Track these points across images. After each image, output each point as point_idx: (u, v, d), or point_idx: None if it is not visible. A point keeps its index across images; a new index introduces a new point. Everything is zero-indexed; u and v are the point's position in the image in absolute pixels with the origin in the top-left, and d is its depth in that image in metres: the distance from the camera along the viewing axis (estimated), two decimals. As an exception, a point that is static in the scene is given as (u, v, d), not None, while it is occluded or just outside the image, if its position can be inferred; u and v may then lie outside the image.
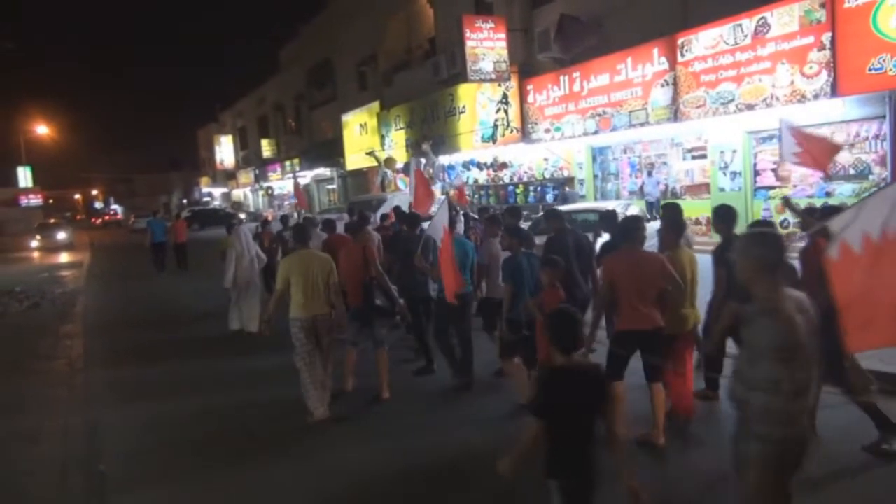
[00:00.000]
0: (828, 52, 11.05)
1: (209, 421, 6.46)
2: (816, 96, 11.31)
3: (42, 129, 45.30)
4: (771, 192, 13.31)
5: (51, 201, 68.79)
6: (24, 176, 43.58)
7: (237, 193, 51.32)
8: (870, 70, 10.55)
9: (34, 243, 34.33)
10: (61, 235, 35.28)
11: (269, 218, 16.66)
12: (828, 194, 12.30)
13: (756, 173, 13.57)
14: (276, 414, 6.43)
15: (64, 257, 29.11)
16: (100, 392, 7.71)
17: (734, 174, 13.70)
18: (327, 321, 6.15)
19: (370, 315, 6.71)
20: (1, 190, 42.67)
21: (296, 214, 18.21)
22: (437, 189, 21.77)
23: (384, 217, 11.43)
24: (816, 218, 5.25)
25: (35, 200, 43.09)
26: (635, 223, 5.12)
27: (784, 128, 7.94)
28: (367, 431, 5.85)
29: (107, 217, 71.20)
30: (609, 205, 12.43)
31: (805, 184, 12.72)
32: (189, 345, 9.87)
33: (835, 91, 11.06)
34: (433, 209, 7.47)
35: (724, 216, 5.51)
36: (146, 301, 14.52)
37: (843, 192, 12.08)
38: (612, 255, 5.20)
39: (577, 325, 3.20)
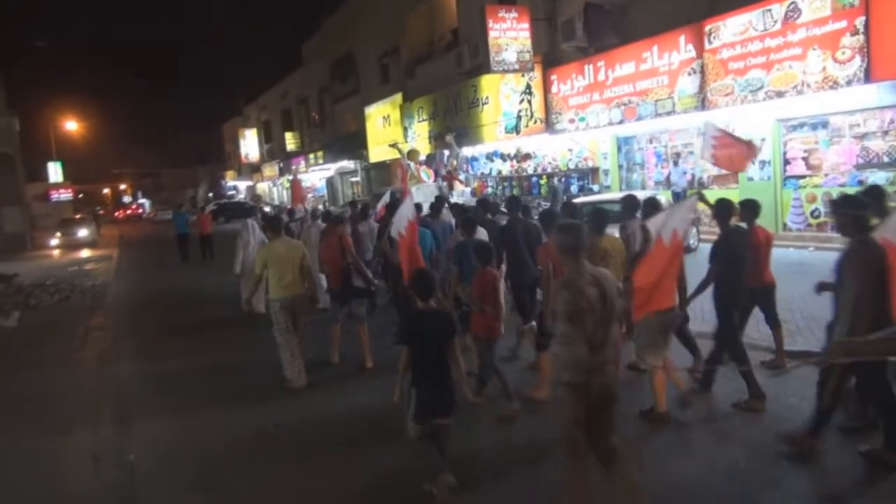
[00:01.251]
0: (861, 37, 10.76)
1: (237, 412, 6.53)
2: (849, 82, 11.02)
3: (72, 126, 46.02)
4: (801, 182, 13.04)
5: (80, 196, 70.12)
6: (55, 171, 44.34)
7: (261, 186, 51.76)
8: (905, 54, 10.26)
9: (54, 241, 32.75)
10: (83, 232, 33.66)
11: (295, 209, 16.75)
12: (860, 183, 12.01)
13: (786, 162, 13.30)
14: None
15: (92, 251, 29.53)
16: (129, 382, 7.83)
17: (763, 163, 13.43)
18: (303, 299, 7.02)
19: (348, 295, 7.59)
20: (32, 185, 43.50)
21: (320, 207, 18.61)
22: (462, 180, 21.76)
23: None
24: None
25: (66, 195, 43.90)
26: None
27: (707, 129, 8.49)
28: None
29: (129, 211, 74.81)
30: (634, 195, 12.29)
31: (836, 172, 12.44)
32: (212, 329, 10.38)
33: (868, 77, 10.77)
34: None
35: (752, 208, 5.97)
36: (173, 290, 15.11)
37: (877, 180, 11.77)
38: (546, 243, 5.88)
39: (431, 281, 4.60)
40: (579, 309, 3.46)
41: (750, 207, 6.34)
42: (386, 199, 9.00)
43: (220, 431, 6.05)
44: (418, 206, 8.78)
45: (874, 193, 5.40)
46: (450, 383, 4.29)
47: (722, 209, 6.05)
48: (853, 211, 4.28)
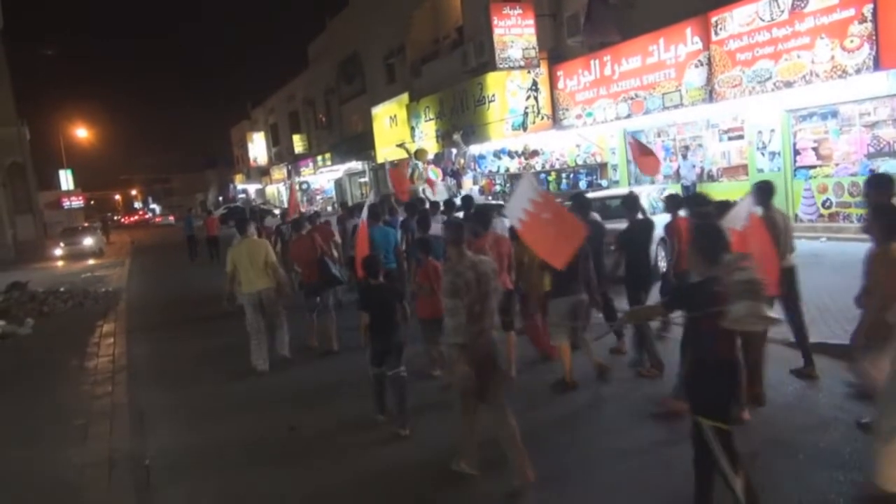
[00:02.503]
0: (869, 25, 10.65)
1: (250, 415, 6.55)
2: (858, 71, 10.91)
3: (82, 133, 46.36)
4: (812, 172, 12.93)
5: (92, 203, 70.84)
6: (66, 179, 44.70)
7: (270, 189, 51.95)
8: (915, 41, 10.15)
9: (58, 251, 30.22)
10: (88, 241, 30.92)
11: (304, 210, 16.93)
12: (872, 172, 11.89)
13: (796, 153, 13.19)
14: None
15: (99, 260, 29.68)
16: (144, 388, 7.88)
17: (773, 154, 13.34)
18: (271, 293, 7.85)
19: (321, 286, 8.59)
20: (44, 193, 43.86)
21: (329, 208, 18.92)
22: (468, 179, 21.76)
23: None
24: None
25: (77, 202, 44.24)
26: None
27: (629, 141, 10.96)
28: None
29: (137, 216, 78.54)
30: (643, 189, 12.23)
31: (847, 162, 12.33)
32: (218, 326, 10.63)
33: (878, 64, 10.65)
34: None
35: (673, 201, 6.62)
36: (182, 291, 15.83)
37: (889, 168, 11.65)
38: (480, 240, 6.52)
39: (377, 263, 6.09)
40: (458, 287, 4.40)
41: (671, 200, 6.95)
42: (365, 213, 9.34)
43: (235, 435, 6.09)
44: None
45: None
46: (397, 338, 5.69)
47: (628, 202, 7.07)
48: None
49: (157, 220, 78.92)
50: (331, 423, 6.14)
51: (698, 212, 5.89)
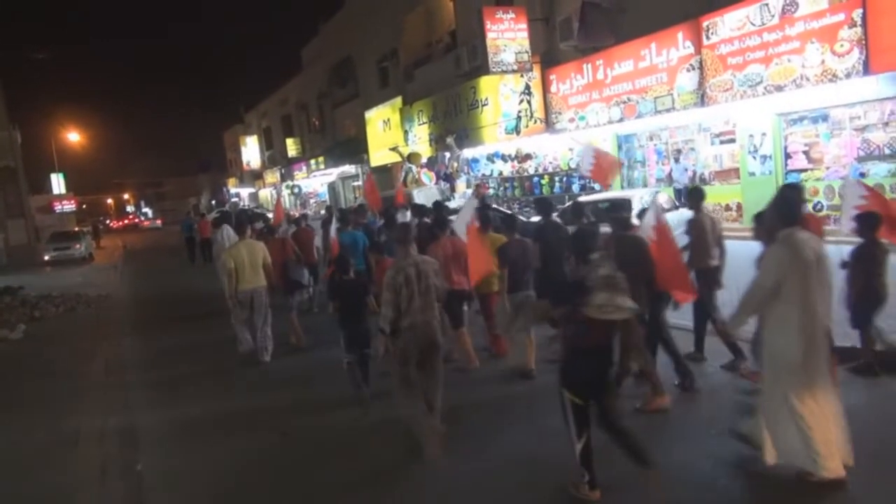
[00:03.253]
0: (859, 29, 10.75)
1: (241, 420, 6.54)
2: (848, 75, 11.01)
3: (74, 137, 46.18)
4: (803, 175, 13.01)
5: (84, 207, 70.60)
6: (58, 183, 44.50)
7: (263, 193, 51.84)
8: (904, 46, 10.24)
9: (46, 257, 28.86)
10: (77, 248, 29.38)
11: (295, 215, 16.96)
12: (862, 175, 11.99)
13: (787, 156, 13.28)
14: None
15: (94, 262, 29.51)
16: (136, 392, 7.85)
17: (764, 158, 13.42)
18: (261, 293, 8.30)
19: (290, 288, 9.28)
20: (36, 197, 43.62)
21: (322, 212, 19.10)
22: (461, 183, 21.78)
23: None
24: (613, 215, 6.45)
25: (69, 206, 43.97)
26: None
27: (584, 149, 11.27)
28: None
29: (126, 220, 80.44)
30: (636, 193, 12.29)
31: (838, 165, 12.42)
32: (208, 326, 10.94)
33: (867, 69, 10.76)
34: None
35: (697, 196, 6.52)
36: (175, 294, 15.97)
37: (879, 171, 11.77)
38: (435, 242, 7.18)
39: (346, 261, 6.68)
40: (398, 283, 5.02)
41: (695, 195, 6.81)
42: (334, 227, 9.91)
43: (228, 442, 6.07)
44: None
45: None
46: (363, 327, 6.26)
47: (540, 205, 7.94)
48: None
49: (146, 224, 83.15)
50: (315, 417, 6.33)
51: (615, 218, 6.21)
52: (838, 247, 5.79)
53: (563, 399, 4.17)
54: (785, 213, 4.30)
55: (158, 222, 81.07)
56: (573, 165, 18.70)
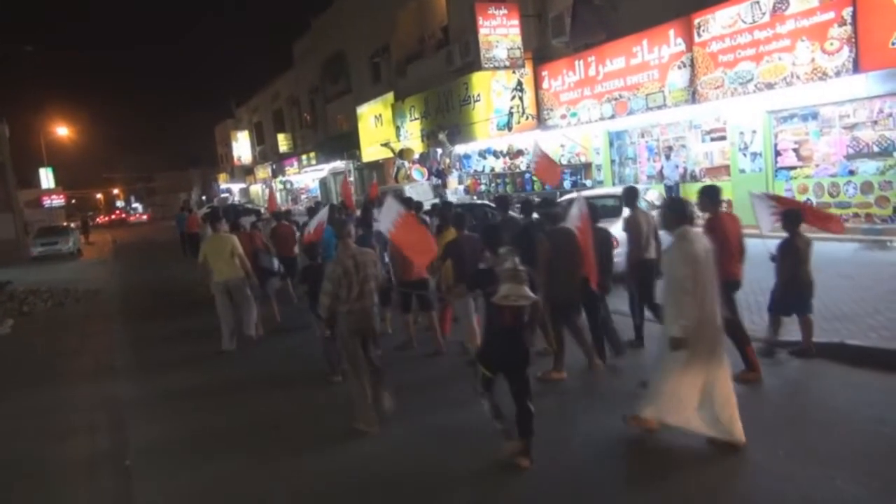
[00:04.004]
0: (849, 28, 10.81)
1: (231, 412, 6.53)
2: (838, 73, 11.07)
3: (62, 131, 45.77)
4: (792, 173, 13.09)
5: (73, 202, 70.12)
6: (47, 177, 44.11)
7: (255, 189, 51.67)
8: (893, 44, 10.29)
9: (33, 252, 28.32)
10: (64, 243, 28.93)
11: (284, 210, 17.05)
12: (851, 173, 12.08)
13: (777, 153, 13.35)
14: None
15: (87, 252, 29.31)
16: (125, 386, 7.81)
17: (754, 155, 13.49)
18: (238, 282, 8.86)
19: (262, 276, 9.78)
20: (24, 192, 43.25)
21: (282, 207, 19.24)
22: (453, 179, 21.79)
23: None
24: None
25: (58, 201, 43.65)
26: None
27: (533, 148, 12.77)
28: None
29: (114, 215, 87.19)
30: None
31: (827, 163, 12.49)
32: (196, 320, 10.91)
33: (857, 67, 10.82)
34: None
35: (712, 196, 6.17)
36: (162, 288, 15.99)
37: (867, 169, 11.85)
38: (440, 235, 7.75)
39: (315, 249, 7.68)
40: (338, 274, 5.54)
41: (711, 193, 6.67)
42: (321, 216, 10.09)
43: (219, 433, 6.07)
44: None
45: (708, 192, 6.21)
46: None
47: (498, 202, 8.48)
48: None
49: (132, 218, 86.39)
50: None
51: (546, 213, 6.82)
52: (825, 244, 5.96)
53: (476, 370, 4.88)
54: (679, 212, 4.90)
55: (145, 217, 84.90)
56: (564, 162, 18.77)
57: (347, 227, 5.98)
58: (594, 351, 6.54)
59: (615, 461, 4.78)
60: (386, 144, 25.17)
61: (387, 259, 8.18)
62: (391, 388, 5.91)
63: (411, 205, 10.74)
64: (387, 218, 7.39)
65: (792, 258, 6.24)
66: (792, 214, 6.42)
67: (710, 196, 6.10)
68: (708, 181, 15.02)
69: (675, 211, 4.96)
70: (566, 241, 6.26)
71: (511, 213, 8.71)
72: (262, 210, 25.37)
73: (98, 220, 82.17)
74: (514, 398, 4.73)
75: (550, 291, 5.97)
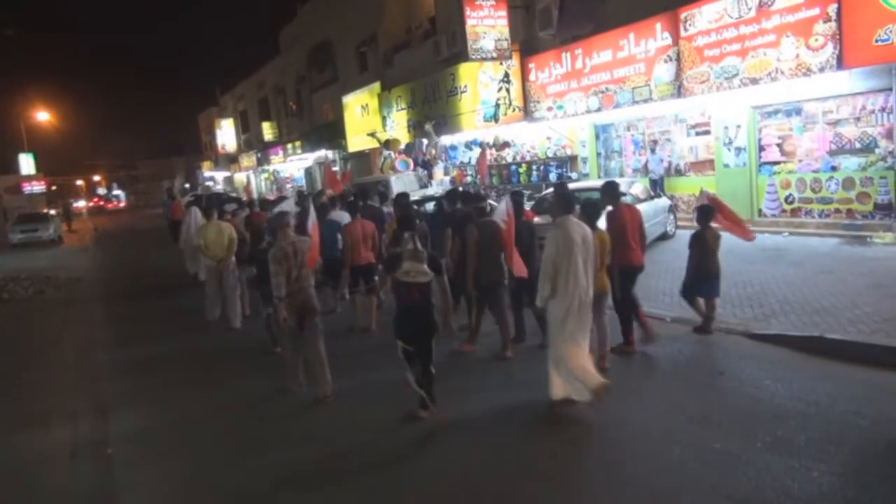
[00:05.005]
0: (833, 24, 10.89)
1: (212, 391, 6.51)
2: (822, 69, 11.16)
3: (43, 116, 45.02)
4: (775, 168, 13.20)
5: (54, 188, 69.18)
6: (27, 163, 43.44)
7: (239, 177, 51.25)
8: (876, 41, 10.38)
9: (14, 238, 27.88)
10: (45, 230, 28.66)
11: (271, 199, 16.97)
12: (833, 168, 12.20)
13: (761, 148, 13.45)
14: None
15: (68, 240, 28.98)
16: (105, 374, 7.76)
17: (738, 150, 13.58)
18: (229, 265, 9.52)
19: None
20: (4, 177, 42.60)
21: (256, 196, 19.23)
22: (439, 170, 21.73)
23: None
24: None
25: (38, 187, 43.02)
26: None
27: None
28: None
29: (91, 203, 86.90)
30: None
31: (810, 158, 12.61)
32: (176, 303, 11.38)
33: (840, 63, 10.90)
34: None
35: (612, 191, 6.91)
36: (145, 273, 16.24)
37: (850, 165, 11.98)
38: (348, 224, 8.61)
39: (262, 235, 8.46)
40: (280, 258, 6.18)
41: (610, 188, 7.33)
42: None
43: (197, 417, 6.05)
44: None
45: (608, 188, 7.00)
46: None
47: (448, 196, 9.26)
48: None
49: (109, 205, 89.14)
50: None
51: (475, 208, 7.60)
52: (806, 239, 6.04)
53: (398, 345, 5.48)
54: (563, 203, 5.67)
55: (121, 204, 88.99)
56: (550, 154, 18.80)
57: (285, 218, 6.66)
58: (508, 341, 7.13)
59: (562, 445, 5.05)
60: (372, 134, 25.04)
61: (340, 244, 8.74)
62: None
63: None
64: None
65: (700, 248, 7.00)
66: (704, 210, 7.19)
67: (611, 191, 6.85)
68: (693, 176, 15.15)
69: (561, 203, 5.72)
70: (491, 232, 7.00)
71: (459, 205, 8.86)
72: (244, 199, 25.20)
73: (74, 207, 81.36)
74: (419, 362, 5.47)
75: (477, 274, 7.01)
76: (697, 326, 7.17)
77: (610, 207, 6.79)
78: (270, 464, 5.08)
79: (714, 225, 7.25)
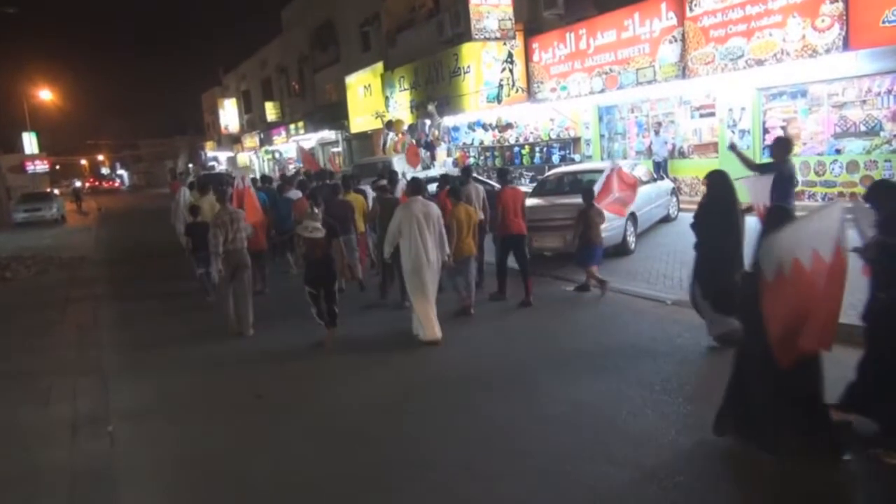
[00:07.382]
0: (840, 5, 10.75)
1: (208, 370, 6.55)
2: (828, 50, 11.04)
3: (46, 95, 44.89)
4: (780, 150, 13.09)
5: (57, 167, 69.18)
6: (30, 142, 43.39)
7: (242, 157, 51.14)
8: (883, 23, 10.27)
9: (17, 217, 28.03)
10: (48, 210, 28.65)
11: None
12: (838, 152, 12.12)
13: (765, 131, 13.35)
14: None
15: (73, 219, 29.02)
16: (109, 352, 7.80)
17: (743, 132, 13.49)
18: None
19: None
20: (7, 156, 42.57)
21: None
22: (442, 151, 21.64)
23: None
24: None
25: (42, 167, 42.99)
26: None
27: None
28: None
29: (88, 183, 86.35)
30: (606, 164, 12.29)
31: (815, 141, 12.53)
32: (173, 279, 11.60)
33: (847, 45, 10.79)
34: None
35: (503, 175, 9.30)
36: (146, 252, 16.20)
37: (854, 148, 11.90)
38: (330, 202, 9.39)
39: (198, 210, 10.09)
40: (218, 224, 7.87)
41: (502, 173, 9.38)
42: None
43: (199, 396, 6.09)
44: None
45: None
46: (207, 252, 8.35)
47: (390, 176, 10.56)
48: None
49: (107, 185, 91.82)
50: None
51: (380, 186, 9.81)
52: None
53: (305, 289, 7.27)
54: (413, 188, 7.68)
55: (117, 185, 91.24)
56: (553, 136, 18.70)
57: (228, 194, 8.97)
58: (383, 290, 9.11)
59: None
60: (379, 115, 24.91)
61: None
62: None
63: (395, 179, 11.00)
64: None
65: (584, 223, 8.44)
66: (587, 193, 8.68)
67: (502, 175, 9.19)
68: (696, 158, 15.06)
69: (410, 188, 7.86)
70: (389, 207, 8.28)
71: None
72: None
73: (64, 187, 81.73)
74: (325, 303, 7.25)
75: (379, 241, 8.72)
76: (578, 286, 8.82)
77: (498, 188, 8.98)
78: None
79: (597, 204, 8.70)
